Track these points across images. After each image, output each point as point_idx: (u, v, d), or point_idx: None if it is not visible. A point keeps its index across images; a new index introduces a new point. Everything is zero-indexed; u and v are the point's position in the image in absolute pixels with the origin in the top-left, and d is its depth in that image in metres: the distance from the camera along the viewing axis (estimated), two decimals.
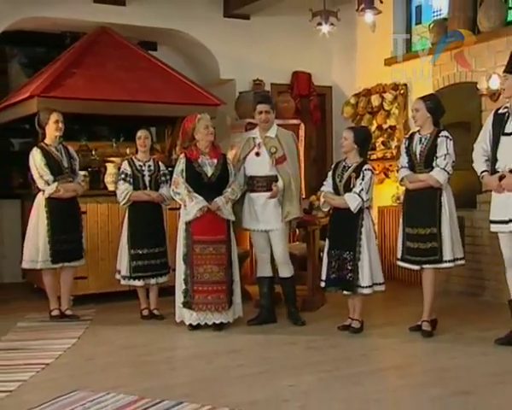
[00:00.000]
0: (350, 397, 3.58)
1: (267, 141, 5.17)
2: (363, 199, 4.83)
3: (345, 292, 4.96)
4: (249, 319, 5.25)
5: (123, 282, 5.50)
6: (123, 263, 5.46)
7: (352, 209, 4.84)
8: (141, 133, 5.55)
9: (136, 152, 5.64)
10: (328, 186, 5.03)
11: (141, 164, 5.54)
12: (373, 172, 4.98)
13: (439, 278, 4.98)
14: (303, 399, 3.55)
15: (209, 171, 5.07)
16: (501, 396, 3.60)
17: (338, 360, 4.30)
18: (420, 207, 4.84)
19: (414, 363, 4.37)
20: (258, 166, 5.14)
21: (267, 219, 5.14)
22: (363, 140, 5.03)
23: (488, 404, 3.49)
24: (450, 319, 5.13)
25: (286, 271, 5.24)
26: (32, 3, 6.64)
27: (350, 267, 4.85)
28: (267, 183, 5.11)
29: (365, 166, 4.93)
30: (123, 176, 5.50)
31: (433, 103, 4.88)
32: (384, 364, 4.40)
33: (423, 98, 4.95)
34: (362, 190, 4.84)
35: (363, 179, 4.86)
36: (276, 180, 5.11)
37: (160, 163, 5.67)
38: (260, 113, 5.19)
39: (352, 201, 4.85)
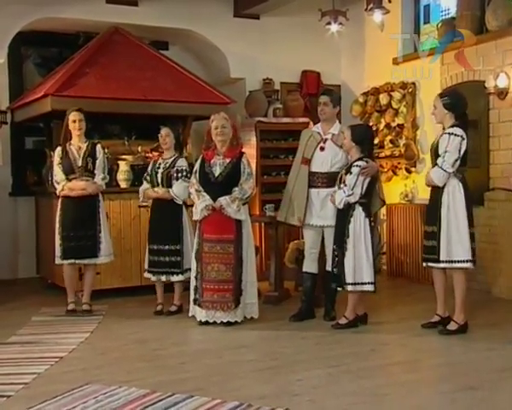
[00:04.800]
0: (358, 392, 3.62)
1: (336, 138, 5.18)
2: (345, 194, 4.84)
3: (338, 288, 5.02)
4: (291, 314, 5.28)
5: (144, 275, 5.66)
6: (145, 258, 5.62)
7: (336, 205, 4.90)
8: (162, 131, 5.62)
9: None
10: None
11: (160, 162, 5.62)
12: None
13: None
14: (312, 393, 3.60)
15: (217, 171, 5.12)
16: (508, 392, 3.63)
17: (346, 355, 4.34)
18: (429, 204, 4.89)
19: (422, 358, 4.42)
20: (322, 162, 5.16)
21: (325, 214, 5.15)
22: (362, 137, 4.99)
23: (495, 399, 3.52)
24: None
25: None
26: (46, 4, 6.74)
27: (340, 263, 4.91)
28: (328, 179, 5.14)
29: (355, 163, 4.91)
30: (145, 174, 5.66)
31: (451, 99, 4.80)
32: (392, 359, 4.44)
33: (441, 94, 4.94)
34: (345, 185, 4.87)
35: (350, 175, 4.88)
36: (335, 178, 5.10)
37: (180, 160, 5.61)
38: (319, 104, 5.25)
39: (337, 196, 4.91)
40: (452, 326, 4.80)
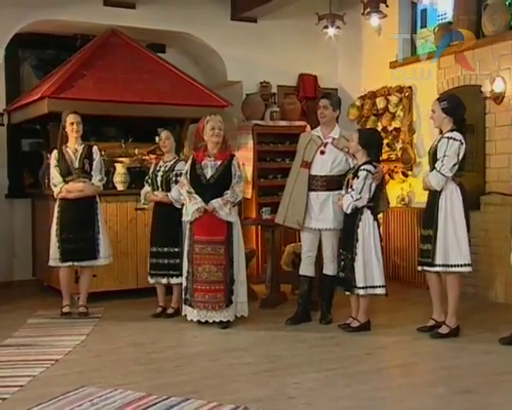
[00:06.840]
0: (355, 395, 3.62)
1: (337, 142, 5.19)
2: (353, 198, 4.85)
3: (346, 292, 5.02)
4: (287, 318, 5.28)
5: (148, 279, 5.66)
6: (148, 261, 5.63)
7: (344, 209, 4.90)
8: (161, 134, 5.63)
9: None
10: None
11: (161, 165, 5.63)
12: (370, 172, 4.89)
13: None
14: (308, 396, 3.60)
15: (209, 172, 5.13)
16: (504, 395, 3.64)
17: (343, 358, 4.35)
18: (426, 208, 4.90)
19: (418, 362, 4.42)
20: (322, 166, 5.17)
21: (324, 218, 5.15)
22: (369, 142, 4.99)
23: (491, 403, 3.52)
24: None
25: (331, 268, 5.22)
26: (43, 6, 6.74)
27: (348, 267, 4.91)
28: (327, 182, 5.14)
29: (362, 167, 4.92)
30: (147, 177, 5.67)
31: (450, 103, 4.80)
32: (389, 362, 4.44)
33: (439, 99, 4.94)
34: (353, 189, 4.87)
35: (357, 179, 4.89)
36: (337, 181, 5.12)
37: (179, 163, 5.60)
38: (319, 107, 5.26)
39: (344, 201, 4.91)
40: (444, 330, 4.82)
